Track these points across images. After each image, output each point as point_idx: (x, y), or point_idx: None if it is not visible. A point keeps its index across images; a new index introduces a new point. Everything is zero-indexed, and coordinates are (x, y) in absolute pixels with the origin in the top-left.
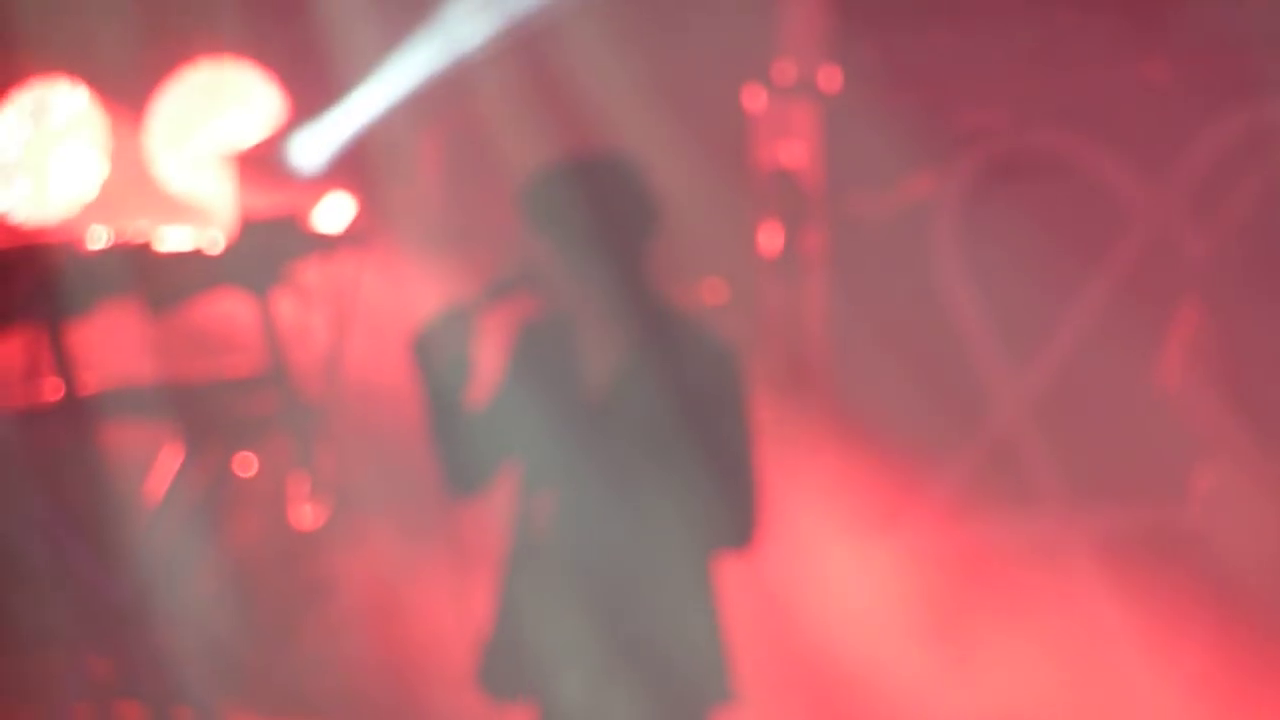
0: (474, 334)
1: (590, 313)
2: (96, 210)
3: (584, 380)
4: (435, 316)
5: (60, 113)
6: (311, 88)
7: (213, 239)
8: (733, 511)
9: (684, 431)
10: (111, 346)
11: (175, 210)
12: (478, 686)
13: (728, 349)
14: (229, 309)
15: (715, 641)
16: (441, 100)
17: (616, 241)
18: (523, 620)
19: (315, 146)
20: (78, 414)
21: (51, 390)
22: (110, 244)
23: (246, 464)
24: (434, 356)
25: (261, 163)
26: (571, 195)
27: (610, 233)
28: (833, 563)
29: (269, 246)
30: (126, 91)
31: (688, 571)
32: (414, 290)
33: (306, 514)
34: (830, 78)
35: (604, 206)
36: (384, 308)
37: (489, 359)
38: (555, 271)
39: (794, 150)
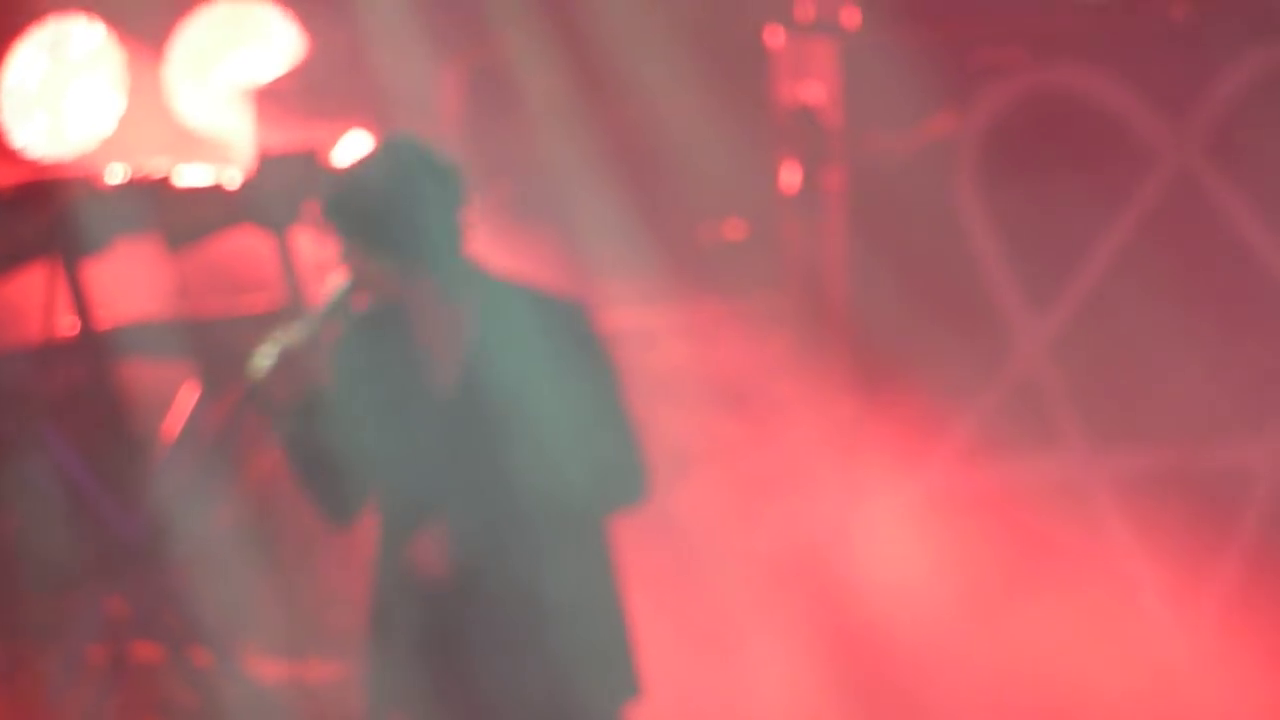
0: (312, 361)
1: (419, 304)
2: (114, 146)
3: (428, 374)
4: (268, 357)
5: (77, 48)
6: (330, 23)
7: (231, 175)
8: (619, 471)
9: (546, 401)
10: (129, 283)
11: (194, 146)
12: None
13: (571, 305)
14: (247, 246)
15: (620, 633)
16: (460, 33)
17: (427, 235)
18: (402, 642)
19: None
20: (94, 351)
21: (68, 327)
22: (128, 180)
23: None
24: (277, 396)
25: (280, 98)
26: (367, 192)
27: (419, 229)
28: (852, 506)
29: (288, 183)
30: (145, 27)
31: (586, 555)
32: None
33: None
34: (850, 15)
35: (407, 204)
36: None
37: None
38: (376, 273)
39: (814, 88)
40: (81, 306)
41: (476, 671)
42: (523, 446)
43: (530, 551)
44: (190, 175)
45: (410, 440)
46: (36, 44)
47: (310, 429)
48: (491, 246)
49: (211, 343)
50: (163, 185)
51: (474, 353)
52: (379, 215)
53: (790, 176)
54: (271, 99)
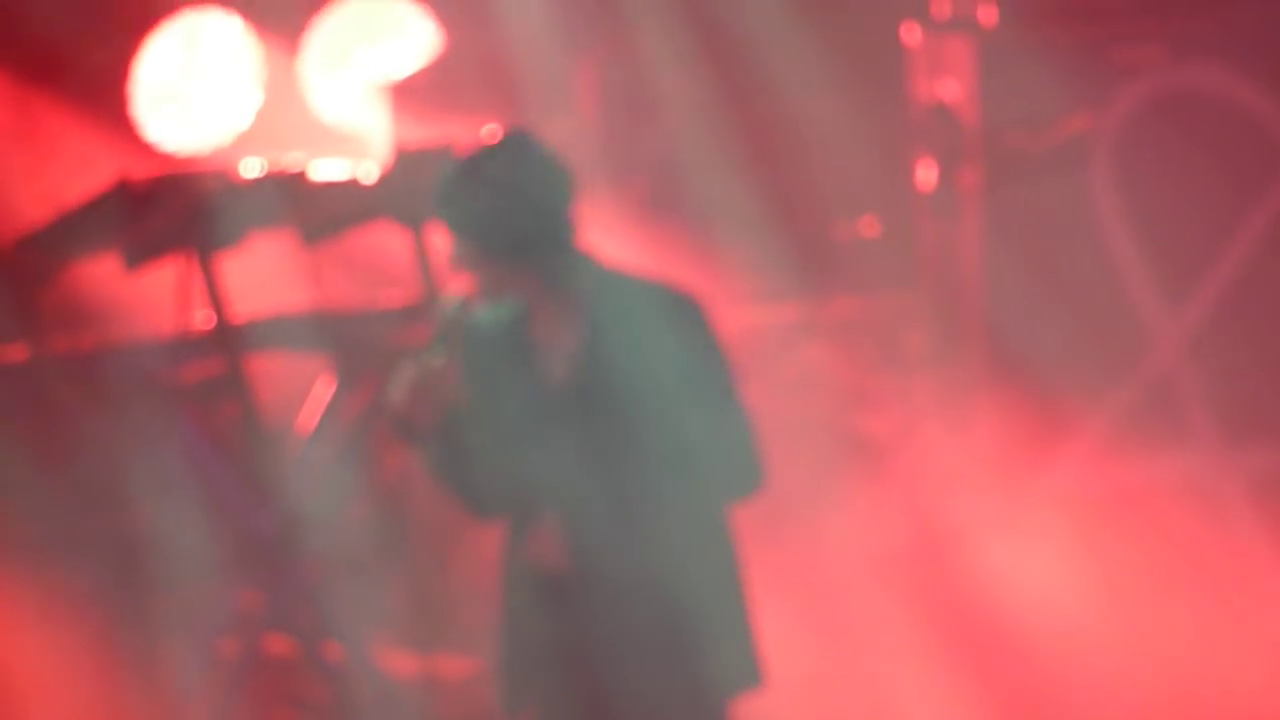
0: (445, 385)
1: (534, 301)
2: (250, 140)
3: (547, 373)
4: (399, 384)
5: (214, 41)
6: (466, 18)
7: (367, 170)
8: (733, 460)
9: (663, 393)
10: (264, 276)
11: (330, 141)
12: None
13: (683, 297)
14: (384, 240)
15: (742, 623)
16: (596, 30)
17: (541, 229)
18: (536, 642)
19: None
20: (230, 344)
21: (203, 320)
22: (263, 174)
23: None
24: (416, 424)
25: (416, 94)
26: (478, 188)
27: (528, 214)
28: (989, 503)
29: (424, 178)
30: (282, 21)
31: (705, 545)
32: None
33: None
34: (988, 12)
35: (513, 190)
36: None
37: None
38: (489, 271)
39: (951, 86)
40: (216, 300)
41: (601, 664)
42: (637, 436)
43: (648, 542)
44: (326, 169)
45: (528, 433)
46: (172, 37)
47: (449, 446)
48: (626, 242)
49: (347, 337)
50: (298, 179)
51: (587, 343)
52: (488, 207)
53: (926, 174)
54: (407, 94)
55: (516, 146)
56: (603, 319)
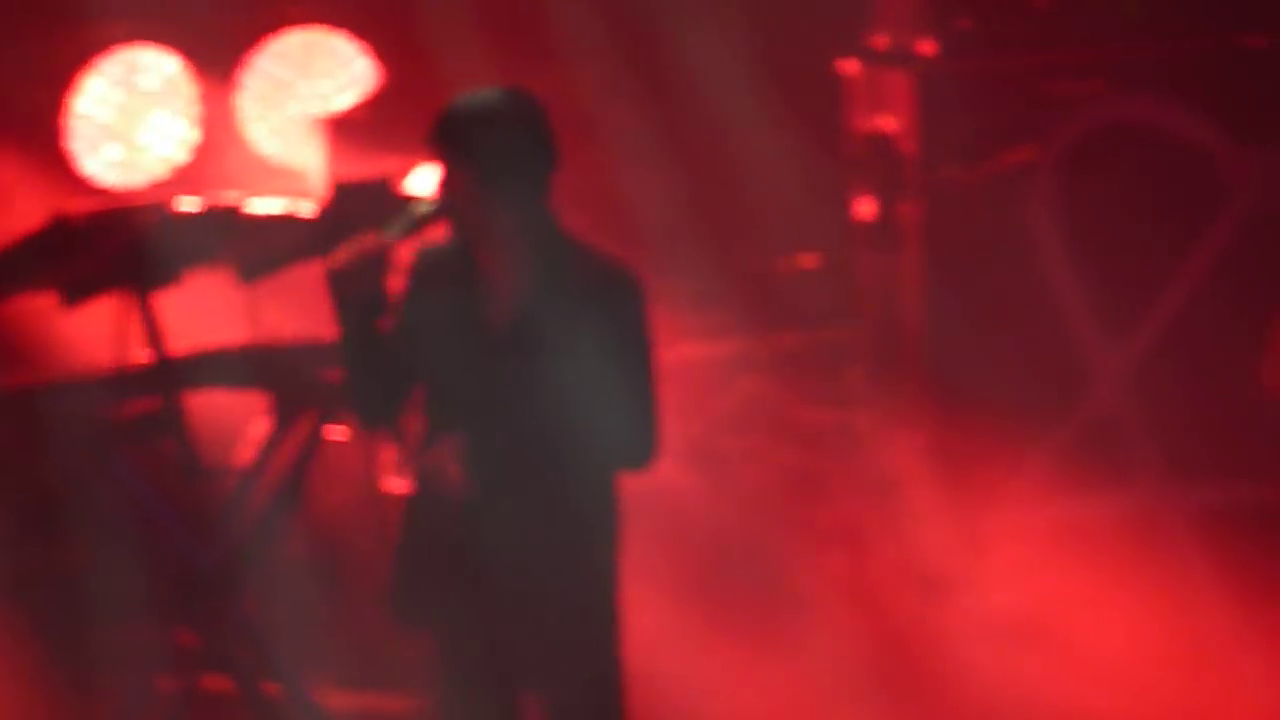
0: (387, 265)
1: (498, 241)
2: (188, 176)
3: (487, 309)
4: (350, 249)
5: (149, 78)
6: (402, 53)
7: (305, 205)
8: (632, 430)
9: (586, 356)
10: (202, 313)
11: (267, 176)
12: (389, 612)
13: (624, 272)
14: (320, 274)
15: (610, 567)
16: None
17: (525, 173)
18: (429, 555)
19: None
20: (166, 380)
21: (141, 356)
22: (201, 210)
23: (337, 430)
24: (349, 288)
25: (353, 129)
26: (490, 127)
27: (520, 164)
28: (928, 537)
29: (362, 213)
30: (218, 57)
31: (591, 498)
32: None
33: (397, 480)
34: (926, 44)
35: (515, 139)
36: None
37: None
38: (471, 200)
39: (889, 118)
40: (154, 336)
41: (488, 584)
42: (553, 386)
43: (539, 482)
44: (264, 206)
45: (456, 365)
46: (107, 75)
47: (371, 328)
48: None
49: (285, 373)
50: (236, 215)
51: (530, 295)
52: (492, 142)
53: (865, 207)
54: (344, 129)
55: (529, 101)
56: (548, 272)
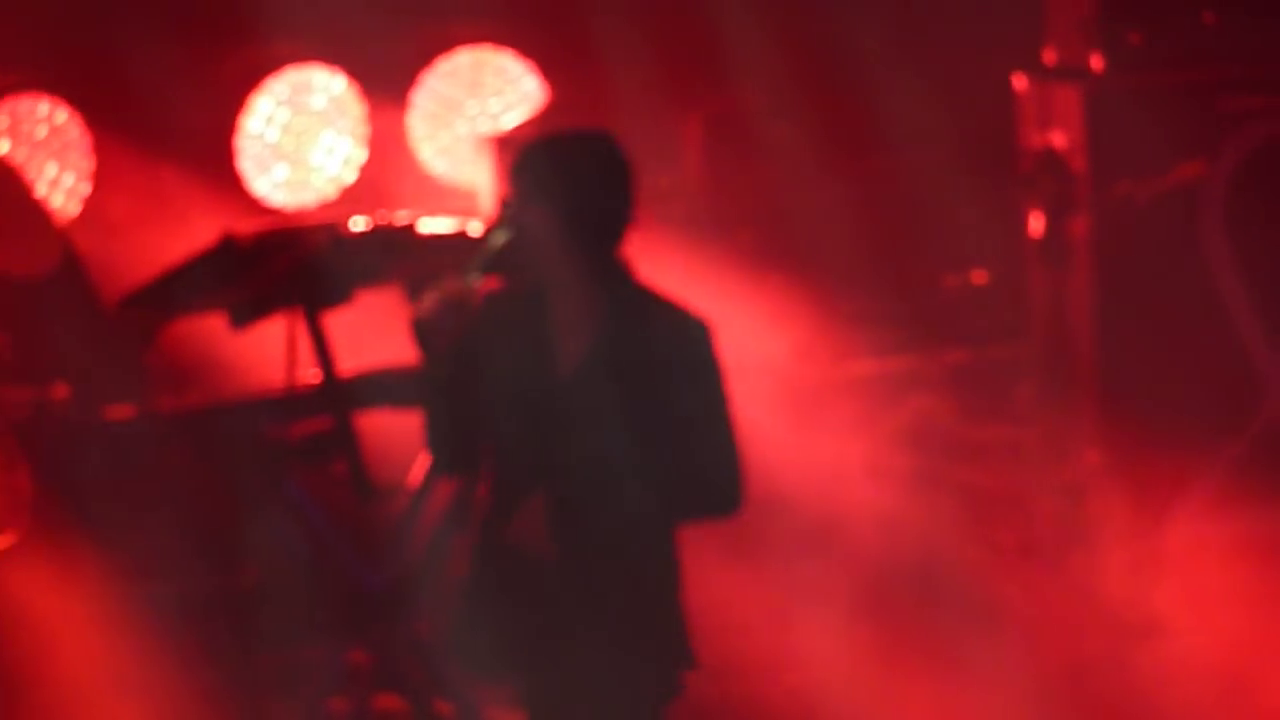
0: (471, 309)
1: (567, 286)
2: (357, 196)
3: (557, 355)
4: (434, 294)
5: (318, 98)
6: (570, 70)
7: (474, 224)
8: (718, 478)
9: (657, 404)
10: (372, 333)
11: (437, 195)
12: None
13: (696, 319)
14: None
15: (677, 612)
16: (701, 82)
17: (598, 218)
18: (509, 610)
19: None
20: (337, 401)
21: (311, 377)
22: (370, 229)
23: None
24: (435, 334)
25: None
26: (564, 170)
27: (593, 209)
28: (1105, 554)
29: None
30: (387, 77)
31: (658, 549)
32: (675, 276)
33: None
34: (1096, 60)
35: (589, 184)
36: None
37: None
38: (541, 242)
39: (1059, 134)
40: (324, 356)
41: (558, 645)
42: (630, 439)
43: (621, 540)
44: (433, 225)
45: (528, 415)
46: (275, 94)
47: (454, 374)
48: (732, 294)
49: None
50: (405, 235)
51: (602, 341)
52: (571, 183)
53: (1035, 223)
54: (513, 147)
55: (612, 145)
56: (619, 318)
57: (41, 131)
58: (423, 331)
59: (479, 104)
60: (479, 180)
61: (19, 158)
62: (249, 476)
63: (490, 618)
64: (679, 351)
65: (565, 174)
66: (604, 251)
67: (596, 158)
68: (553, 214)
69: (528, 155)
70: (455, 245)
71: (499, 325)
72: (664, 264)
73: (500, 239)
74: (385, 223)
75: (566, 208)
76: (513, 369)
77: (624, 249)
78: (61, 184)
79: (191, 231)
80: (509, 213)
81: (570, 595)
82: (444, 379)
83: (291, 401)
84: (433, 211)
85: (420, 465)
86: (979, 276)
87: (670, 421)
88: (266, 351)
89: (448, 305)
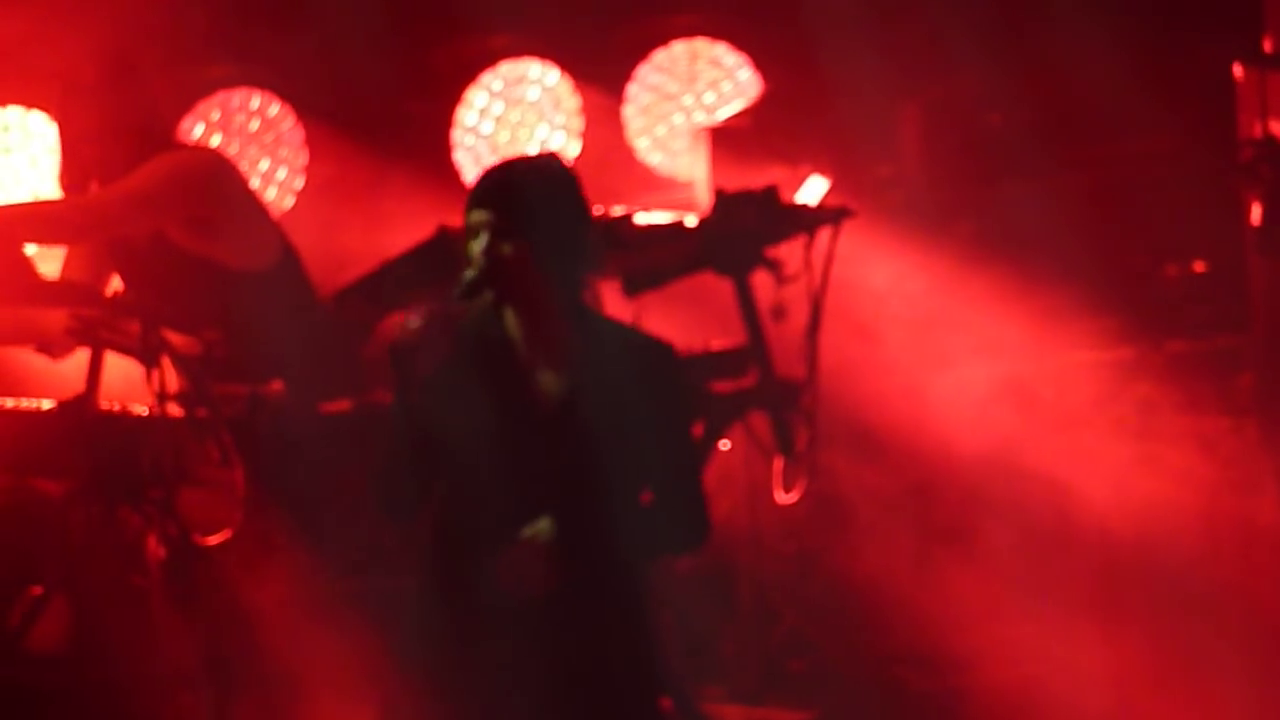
0: (447, 338)
1: (547, 316)
2: None
3: (533, 388)
4: (414, 320)
5: (532, 90)
6: (785, 61)
7: (690, 217)
8: (687, 514)
9: (634, 437)
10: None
11: (653, 188)
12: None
13: (666, 348)
14: (707, 285)
15: (658, 642)
16: (918, 71)
17: (579, 245)
18: (491, 646)
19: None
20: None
21: None
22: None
23: (723, 442)
24: (409, 360)
25: (737, 138)
26: (539, 200)
27: (575, 235)
28: None
29: (745, 223)
30: (599, 71)
31: (637, 581)
32: (890, 268)
33: (784, 492)
34: None
35: (569, 208)
36: (858, 286)
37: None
38: (523, 271)
39: (1278, 123)
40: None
41: (554, 683)
42: (607, 475)
43: (607, 575)
44: (649, 217)
45: (506, 454)
46: (489, 87)
47: (421, 406)
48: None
49: None
50: (622, 227)
51: (576, 372)
52: (553, 211)
53: (1255, 212)
54: (728, 138)
55: (562, 162)
56: (591, 348)
57: (254, 125)
58: (398, 356)
59: (694, 96)
60: (695, 173)
61: (230, 151)
62: None
63: (482, 661)
64: (649, 379)
65: (549, 200)
66: (575, 286)
67: (565, 180)
68: (538, 241)
69: (502, 182)
70: (670, 238)
71: (474, 359)
72: (883, 254)
73: (476, 270)
74: (601, 216)
75: (550, 234)
76: (490, 404)
77: (591, 278)
78: (274, 178)
79: (406, 225)
80: (482, 245)
81: (564, 633)
82: (414, 407)
83: None
84: (648, 204)
85: None
86: (1200, 265)
87: (644, 456)
88: None
89: (426, 332)
